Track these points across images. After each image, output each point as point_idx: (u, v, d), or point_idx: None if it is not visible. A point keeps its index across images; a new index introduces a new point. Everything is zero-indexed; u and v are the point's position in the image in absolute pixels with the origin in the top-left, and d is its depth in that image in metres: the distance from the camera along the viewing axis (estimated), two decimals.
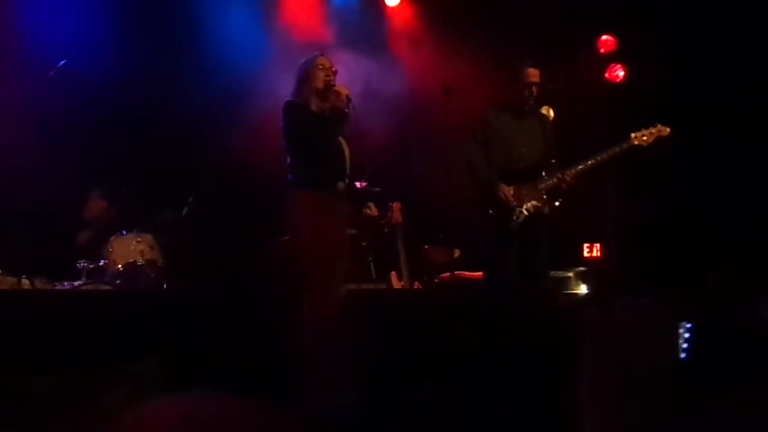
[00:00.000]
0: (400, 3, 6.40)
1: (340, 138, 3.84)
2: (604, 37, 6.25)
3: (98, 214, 5.19)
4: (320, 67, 3.81)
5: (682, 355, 1.99)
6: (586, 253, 6.23)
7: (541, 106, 6.05)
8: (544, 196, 4.31)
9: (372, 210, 4.34)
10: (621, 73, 6.28)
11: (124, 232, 4.83)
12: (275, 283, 4.62)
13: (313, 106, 3.79)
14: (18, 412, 1.61)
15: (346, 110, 3.75)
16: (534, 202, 4.27)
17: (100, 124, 5.13)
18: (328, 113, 3.80)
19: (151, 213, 5.02)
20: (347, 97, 3.76)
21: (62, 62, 4.79)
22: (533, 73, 4.31)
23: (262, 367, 2.17)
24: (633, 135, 4.42)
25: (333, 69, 3.84)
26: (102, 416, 1.71)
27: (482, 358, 2.05)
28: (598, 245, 6.23)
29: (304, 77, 3.81)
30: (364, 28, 6.25)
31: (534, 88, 4.32)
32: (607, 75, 6.30)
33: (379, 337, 2.25)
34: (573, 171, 4.30)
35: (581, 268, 5.80)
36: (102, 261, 4.73)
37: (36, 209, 4.84)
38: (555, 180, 4.30)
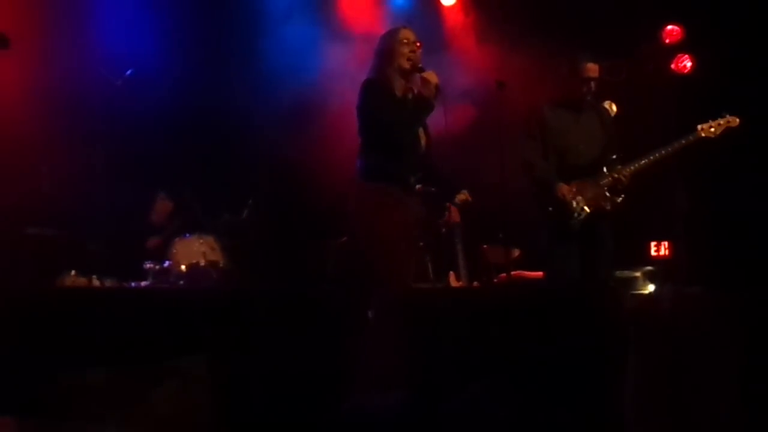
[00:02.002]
0: (456, 2, 6.36)
1: (420, 128, 3.48)
2: (670, 26, 6.04)
3: (164, 217, 5.37)
4: (404, 41, 3.40)
5: None
6: (653, 252, 6.02)
7: (602, 101, 5.92)
8: (606, 193, 4.19)
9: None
10: (688, 64, 6.04)
11: (188, 235, 4.98)
12: (335, 284, 4.65)
13: (396, 88, 3.40)
14: (73, 404, 1.68)
15: (433, 100, 3.39)
16: (595, 200, 4.16)
17: (164, 129, 5.30)
18: (411, 98, 3.44)
19: (213, 215, 5.15)
20: (436, 87, 3.38)
21: (129, 72, 4.98)
22: (591, 68, 4.20)
23: (313, 365, 2.18)
24: (700, 127, 4.26)
25: (418, 43, 3.44)
26: (152, 409, 1.76)
27: (533, 359, 2.00)
28: (666, 243, 6.01)
29: (387, 54, 3.41)
30: (422, 28, 6.23)
31: (592, 83, 4.22)
32: (673, 66, 6.07)
33: (429, 336, 2.22)
34: (629, 169, 4.18)
35: (649, 268, 5.60)
36: (167, 262, 4.88)
37: (106, 213, 5.03)
38: (612, 177, 4.17)
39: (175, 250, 4.89)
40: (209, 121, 5.41)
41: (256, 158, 5.53)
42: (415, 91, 3.48)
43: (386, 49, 3.44)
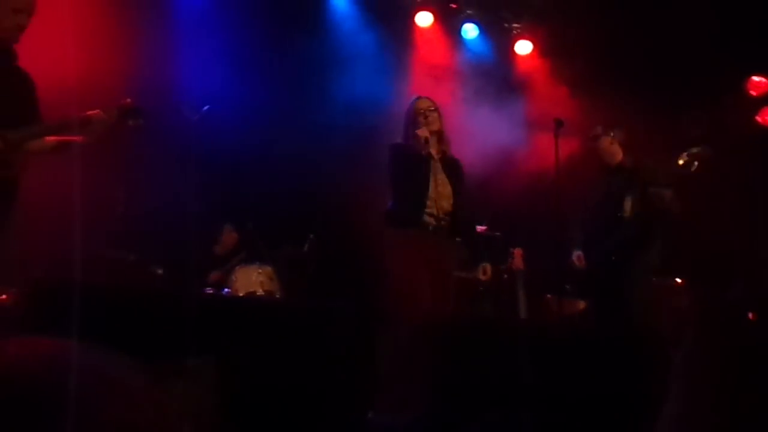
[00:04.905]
0: (531, 52, 6.36)
1: (437, 177, 3.94)
2: (756, 78, 5.79)
3: (229, 248, 5.50)
4: (420, 110, 4.00)
5: None
6: None
7: (682, 153, 5.70)
8: None
9: (485, 273, 4.14)
10: None
11: (247, 264, 5.07)
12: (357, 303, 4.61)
13: (417, 148, 3.92)
14: None
15: (423, 153, 3.86)
16: None
17: (234, 164, 5.47)
18: (429, 155, 3.94)
19: (275, 247, 5.23)
20: (425, 140, 3.87)
21: (205, 108, 5.19)
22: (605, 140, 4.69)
23: (332, 381, 2.13)
24: None
25: (431, 109, 4.00)
26: (158, 407, 1.75)
27: (551, 390, 1.89)
28: None
29: (407, 121, 4.04)
30: (498, 77, 6.26)
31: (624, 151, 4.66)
32: (759, 119, 5.81)
33: (448, 361, 2.14)
34: None
35: None
36: (226, 290, 4.98)
37: (173, 240, 5.20)
38: None
39: (234, 278, 4.98)
40: (278, 157, 5.55)
41: (321, 193, 5.61)
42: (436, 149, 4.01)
43: (406, 117, 4.06)
